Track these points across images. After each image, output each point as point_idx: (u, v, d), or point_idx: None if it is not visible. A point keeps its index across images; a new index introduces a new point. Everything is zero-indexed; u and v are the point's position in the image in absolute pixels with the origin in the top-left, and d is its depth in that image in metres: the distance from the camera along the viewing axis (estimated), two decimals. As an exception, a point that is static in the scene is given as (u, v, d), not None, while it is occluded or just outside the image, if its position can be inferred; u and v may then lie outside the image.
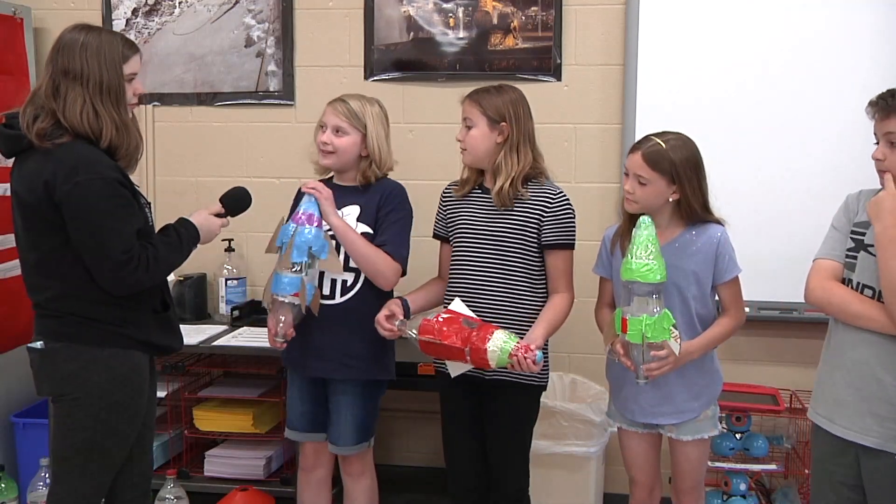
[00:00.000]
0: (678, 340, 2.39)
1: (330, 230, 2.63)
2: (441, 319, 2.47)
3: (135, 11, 3.86)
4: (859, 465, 2.23)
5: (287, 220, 2.65)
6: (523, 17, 3.58)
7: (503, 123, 2.57)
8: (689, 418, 2.56)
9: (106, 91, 2.27)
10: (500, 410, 2.62)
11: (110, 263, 2.23)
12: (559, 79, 3.59)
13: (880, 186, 2.21)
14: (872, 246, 2.18)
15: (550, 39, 3.57)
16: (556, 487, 3.29)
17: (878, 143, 2.20)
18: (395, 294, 2.73)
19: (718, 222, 2.52)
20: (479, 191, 2.66)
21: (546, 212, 2.57)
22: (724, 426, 3.29)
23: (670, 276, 2.38)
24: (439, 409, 2.74)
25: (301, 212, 2.61)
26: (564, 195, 2.61)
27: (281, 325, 2.58)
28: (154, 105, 3.88)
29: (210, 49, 3.82)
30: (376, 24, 3.68)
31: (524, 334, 2.49)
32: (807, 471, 3.13)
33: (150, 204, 2.47)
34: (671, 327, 2.37)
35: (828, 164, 3.33)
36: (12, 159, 2.34)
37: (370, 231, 2.69)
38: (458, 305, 2.54)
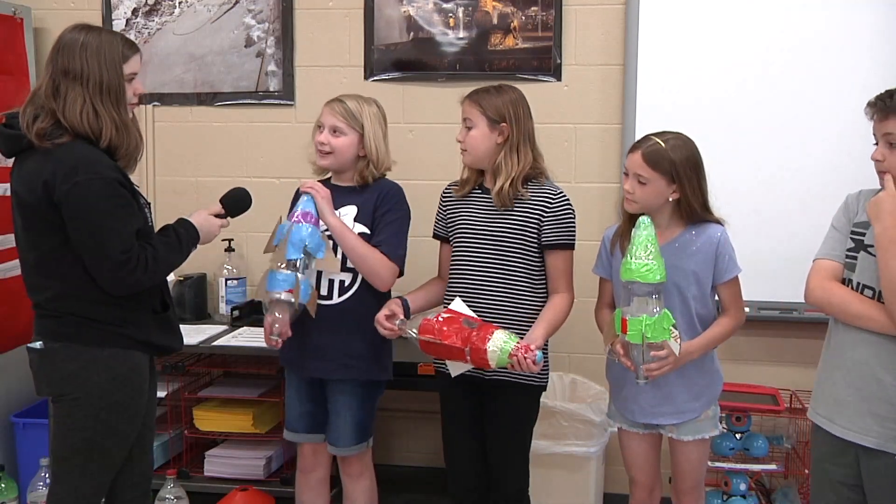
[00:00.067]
0: (678, 340, 2.39)
1: (327, 230, 2.63)
2: (441, 319, 2.47)
3: (135, 11, 3.86)
4: (859, 465, 2.23)
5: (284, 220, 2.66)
6: (523, 17, 3.58)
7: (503, 124, 2.56)
8: (690, 418, 2.56)
9: (106, 91, 2.27)
10: (500, 410, 2.62)
11: (109, 263, 2.23)
12: (559, 79, 3.59)
13: (880, 187, 2.21)
14: (872, 246, 2.18)
15: (550, 39, 3.57)
16: (556, 487, 3.29)
17: (877, 144, 2.20)
18: (393, 294, 2.73)
19: (718, 222, 2.52)
20: (479, 191, 2.66)
21: (546, 212, 2.57)
22: (724, 426, 3.29)
23: (670, 276, 2.39)
24: (439, 409, 2.74)
25: (298, 210, 2.61)
26: (564, 195, 2.61)
27: (276, 323, 2.58)
28: (154, 105, 3.88)
29: (210, 49, 3.82)
30: (376, 24, 3.68)
31: (524, 334, 2.49)
32: (807, 471, 3.13)
33: (149, 204, 2.47)
34: (671, 327, 2.37)
35: (828, 164, 3.33)
36: (12, 159, 2.35)
37: (367, 231, 2.69)
38: (458, 305, 2.54)
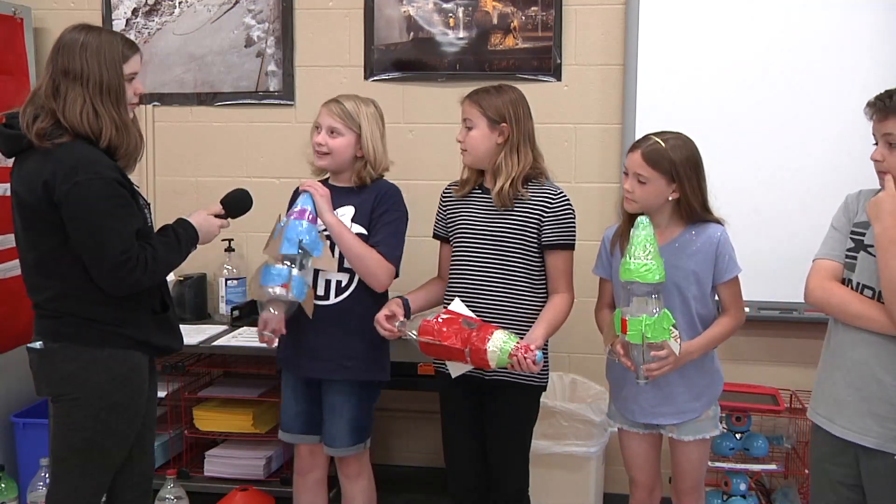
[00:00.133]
0: (678, 340, 2.39)
1: (325, 229, 2.63)
2: (441, 320, 2.47)
3: (135, 11, 3.86)
4: (859, 465, 2.23)
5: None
6: (523, 17, 3.58)
7: (503, 124, 2.56)
8: (690, 418, 2.56)
9: (106, 91, 2.27)
10: (500, 410, 2.62)
11: (109, 264, 2.23)
12: (559, 79, 3.59)
13: (880, 187, 2.21)
14: (872, 246, 2.18)
15: (550, 39, 3.57)
16: (556, 487, 3.29)
17: (876, 144, 2.20)
18: (390, 295, 2.72)
19: (718, 222, 2.52)
20: (479, 191, 2.66)
21: (546, 212, 2.57)
22: (724, 426, 3.29)
23: (670, 276, 2.39)
24: (439, 409, 2.74)
25: (296, 207, 2.61)
26: (564, 195, 2.61)
27: (270, 320, 2.57)
28: (154, 105, 3.88)
29: (210, 49, 3.82)
30: (376, 24, 3.68)
31: (524, 334, 2.49)
32: (807, 471, 3.13)
33: (149, 205, 2.47)
34: (671, 327, 2.37)
35: (828, 164, 3.33)
36: (12, 159, 2.35)
37: (364, 232, 2.68)
38: (457, 306, 2.54)
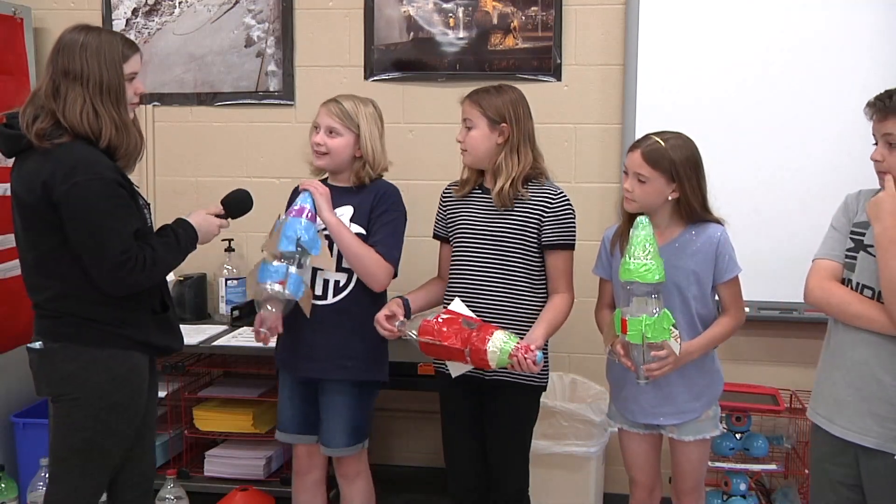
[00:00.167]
0: (678, 340, 2.39)
1: (324, 228, 2.63)
2: (441, 320, 2.47)
3: (135, 11, 3.86)
4: (859, 465, 2.23)
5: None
6: (523, 17, 3.58)
7: (503, 124, 2.56)
8: (691, 418, 2.56)
9: (106, 91, 2.27)
10: (500, 410, 2.62)
11: (108, 264, 2.23)
12: (559, 79, 3.59)
13: (880, 187, 2.21)
14: (872, 246, 2.18)
15: (550, 39, 3.57)
16: (556, 487, 3.29)
17: (876, 144, 2.20)
18: (390, 294, 2.72)
19: (718, 222, 2.52)
20: (480, 191, 2.66)
21: (546, 212, 2.57)
22: (725, 426, 3.29)
23: (670, 276, 2.39)
24: (439, 409, 2.74)
25: (295, 206, 2.61)
26: (564, 195, 2.61)
27: (267, 318, 2.56)
28: (154, 105, 3.88)
29: (210, 49, 3.82)
30: (376, 24, 3.68)
31: (524, 334, 2.49)
32: (807, 471, 3.13)
33: (149, 205, 2.47)
34: (671, 327, 2.37)
35: (828, 164, 3.33)
36: (12, 159, 2.35)
37: (363, 232, 2.68)
38: (457, 306, 2.54)
